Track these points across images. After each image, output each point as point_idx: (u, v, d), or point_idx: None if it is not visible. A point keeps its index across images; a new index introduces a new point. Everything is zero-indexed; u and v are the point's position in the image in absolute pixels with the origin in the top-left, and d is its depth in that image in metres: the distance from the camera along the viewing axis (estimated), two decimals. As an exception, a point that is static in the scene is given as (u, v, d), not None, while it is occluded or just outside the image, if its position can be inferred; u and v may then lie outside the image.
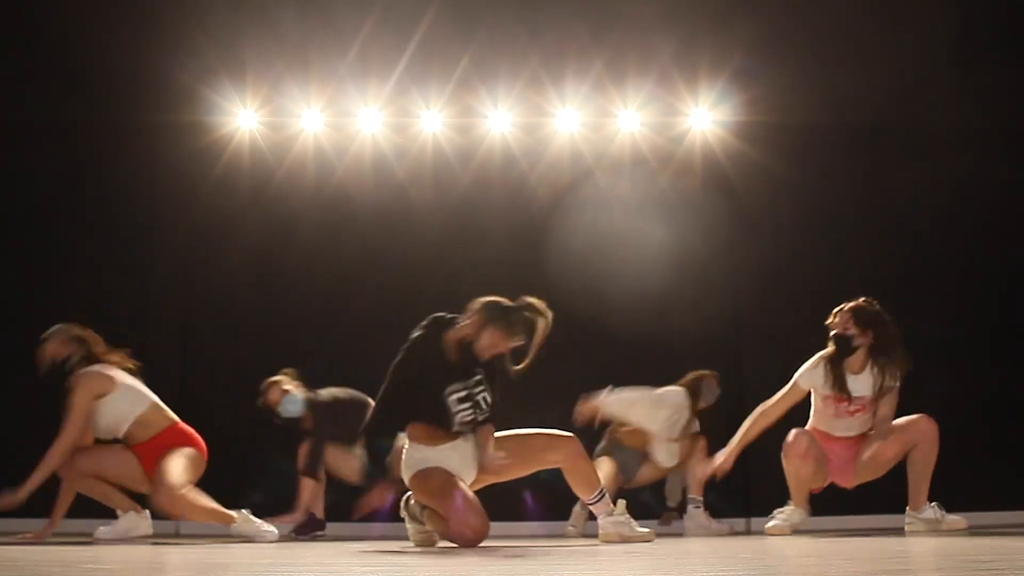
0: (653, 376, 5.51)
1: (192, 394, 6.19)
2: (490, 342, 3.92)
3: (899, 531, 4.77)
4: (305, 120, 6.49)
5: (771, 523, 4.91)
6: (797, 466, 4.80)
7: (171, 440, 4.71)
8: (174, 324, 6.40)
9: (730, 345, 6.37)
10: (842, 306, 4.85)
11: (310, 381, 5.54)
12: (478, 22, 6.32)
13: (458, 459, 3.98)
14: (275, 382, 5.50)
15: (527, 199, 6.48)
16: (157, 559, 3.23)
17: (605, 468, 5.35)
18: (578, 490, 4.16)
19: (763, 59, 6.32)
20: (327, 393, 5.40)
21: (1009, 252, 6.48)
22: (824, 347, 4.86)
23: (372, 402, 5.30)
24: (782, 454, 4.85)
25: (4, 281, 6.19)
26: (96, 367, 4.69)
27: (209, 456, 4.91)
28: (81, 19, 6.12)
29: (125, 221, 6.39)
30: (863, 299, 4.85)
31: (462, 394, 3.93)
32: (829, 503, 5.18)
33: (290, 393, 5.43)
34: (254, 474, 5.96)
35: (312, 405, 5.37)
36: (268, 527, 4.68)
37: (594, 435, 5.56)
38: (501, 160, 6.53)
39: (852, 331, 4.77)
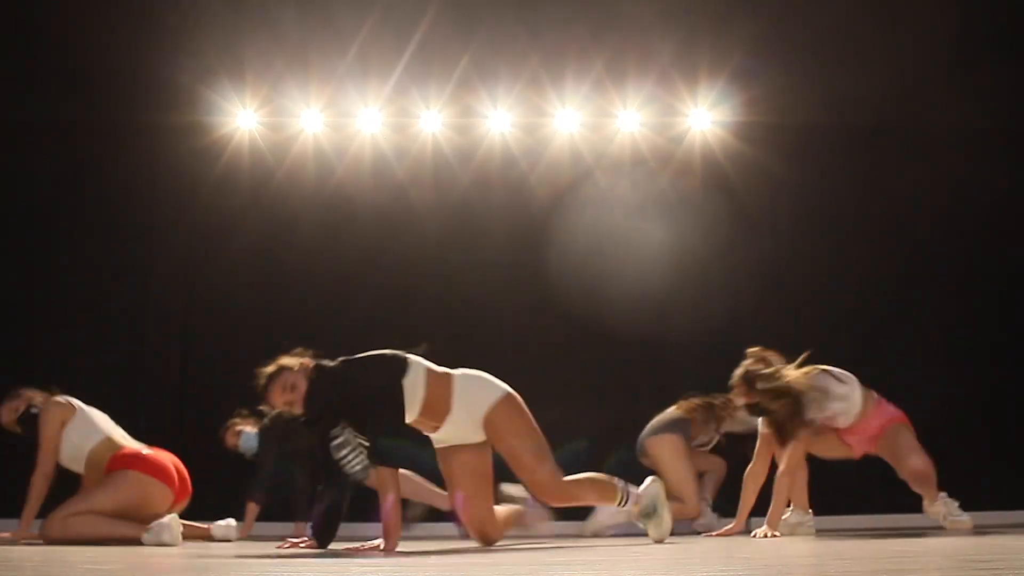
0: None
1: (192, 394, 6.19)
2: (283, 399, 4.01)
3: (899, 531, 4.78)
4: (305, 120, 6.48)
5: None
6: (791, 449, 4.85)
7: (113, 468, 4.61)
8: (174, 324, 6.40)
9: (730, 345, 6.36)
10: (733, 375, 4.87)
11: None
12: (478, 22, 6.31)
13: (459, 431, 4.01)
14: (229, 427, 5.51)
15: (527, 199, 6.47)
16: (157, 559, 3.23)
17: (687, 493, 5.41)
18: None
19: (763, 59, 6.31)
20: (268, 418, 5.31)
21: (1009, 252, 6.47)
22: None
23: None
24: None
25: (4, 281, 6.19)
26: (57, 398, 4.70)
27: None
28: (81, 19, 6.11)
29: (125, 221, 6.38)
30: (747, 363, 4.84)
31: (340, 440, 3.83)
32: (830, 503, 5.19)
33: (244, 432, 5.47)
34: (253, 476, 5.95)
35: (261, 434, 5.39)
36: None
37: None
38: (501, 160, 6.52)
39: (752, 400, 4.84)
